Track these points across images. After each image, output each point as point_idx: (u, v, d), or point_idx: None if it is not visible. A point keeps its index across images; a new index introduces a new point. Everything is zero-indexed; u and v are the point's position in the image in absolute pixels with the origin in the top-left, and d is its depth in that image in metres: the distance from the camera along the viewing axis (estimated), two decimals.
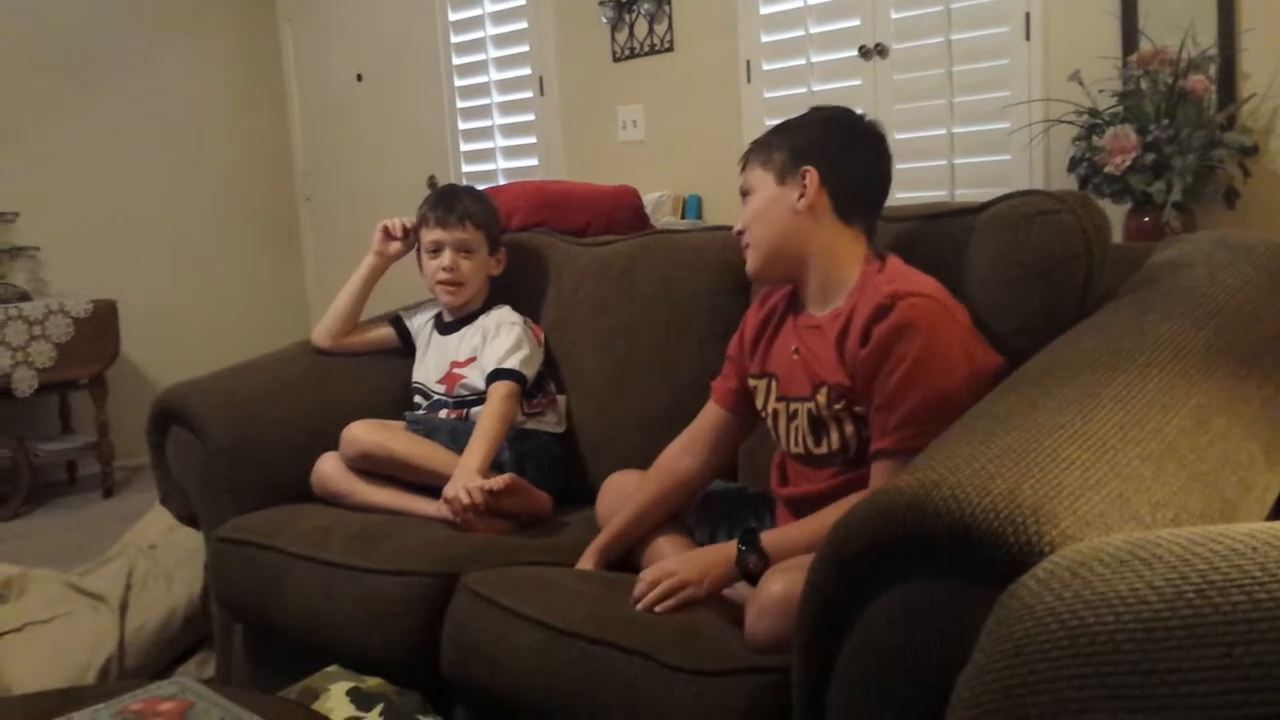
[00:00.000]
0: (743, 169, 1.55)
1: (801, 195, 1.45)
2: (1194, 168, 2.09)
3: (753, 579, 1.35)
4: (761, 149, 1.53)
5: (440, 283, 2.06)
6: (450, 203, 2.06)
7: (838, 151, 1.48)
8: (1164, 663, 0.56)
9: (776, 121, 1.58)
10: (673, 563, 1.42)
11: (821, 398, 1.43)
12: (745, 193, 1.54)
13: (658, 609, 1.36)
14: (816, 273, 1.46)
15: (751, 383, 1.58)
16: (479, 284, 2.09)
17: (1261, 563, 0.58)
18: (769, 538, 1.38)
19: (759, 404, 1.56)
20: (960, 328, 1.38)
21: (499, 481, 1.73)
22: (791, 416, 1.49)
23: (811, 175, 1.45)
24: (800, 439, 1.48)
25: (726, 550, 1.41)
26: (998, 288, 1.47)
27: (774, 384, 1.54)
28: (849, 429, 1.42)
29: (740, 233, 1.54)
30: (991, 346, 1.41)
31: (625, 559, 1.62)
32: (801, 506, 1.49)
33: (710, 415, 1.64)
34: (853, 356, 1.37)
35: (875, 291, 1.37)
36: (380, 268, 2.16)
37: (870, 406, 1.37)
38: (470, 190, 2.15)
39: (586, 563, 1.61)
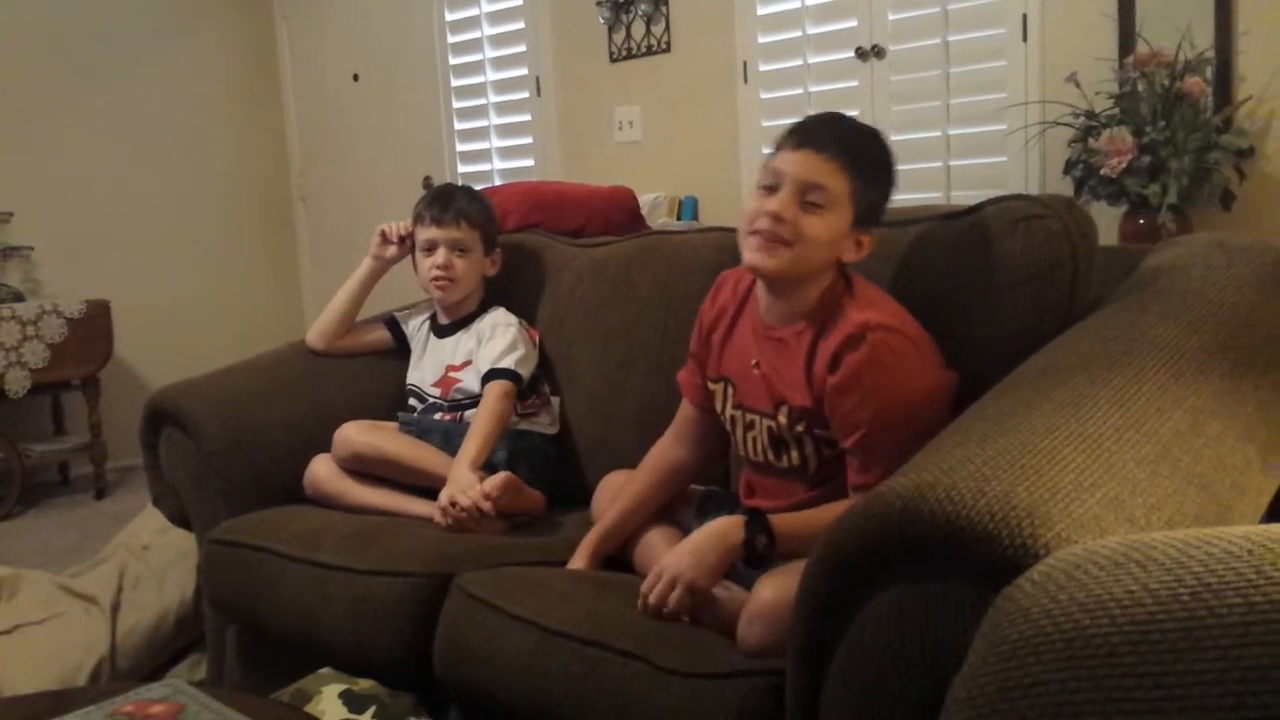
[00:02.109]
0: (826, 159, 1.34)
1: (856, 250, 1.39)
2: (1190, 170, 2.09)
3: (760, 560, 1.34)
4: (862, 174, 1.36)
5: (433, 280, 2.05)
6: (446, 201, 2.06)
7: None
8: (1159, 666, 0.56)
9: (777, 123, 1.52)
10: (667, 559, 1.38)
11: (783, 418, 1.43)
12: (813, 187, 1.34)
13: (665, 610, 1.33)
14: (797, 294, 1.42)
15: (710, 385, 1.57)
16: (473, 283, 2.09)
17: (1257, 565, 0.58)
18: (778, 520, 1.37)
19: (717, 406, 1.55)
20: (923, 352, 1.39)
21: (495, 486, 1.72)
22: (749, 426, 1.50)
23: (871, 240, 1.41)
24: (759, 450, 1.49)
25: (723, 528, 1.38)
26: (983, 293, 1.46)
27: (730, 389, 1.53)
28: (809, 449, 1.43)
29: (779, 219, 1.34)
30: (945, 362, 1.41)
31: (619, 557, 1.62)
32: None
33: (688, 411, 1.64)
34: (820, 380, 1.37)
35: (845, 318, 1.36)
36: (377, 271, 2.16)
37: (840, 436, 1.37)
38: (467, 190, 2.14)
39: (579, 559, 1.59)
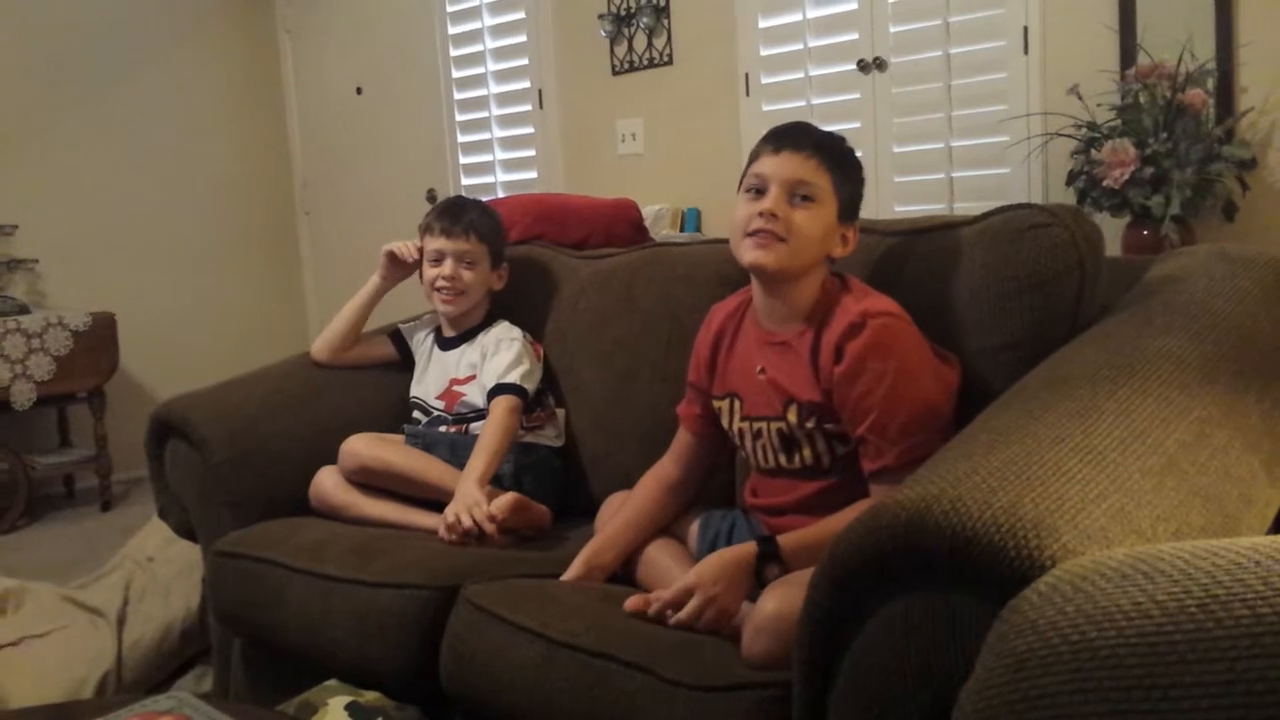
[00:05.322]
0: (805, 157, 1.42)
1: (843, 245, 1.47)
2: (1192, 181, 2.09)
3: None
4: (838, 167, 1.44)
5: (438, 289, 2.06)
6: (456, 213, 2.07)
7: None
8: (1166, 678, 0.56)
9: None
10: (700, 578, 1.36)
11: (792, 416, 1.45)
12: (800, 183, 1.41)
13: (696, 627, 1.33)
14: (794, 294, 1.46)
15: (715, 404, 1.59)
16: (478, 296, 2.09)
17: (1264, 576, 0.58)
18: (786, 541, 1.37)
19: (725, 423, 1.57)
20: (924, 343, 1.42)
21: (502, 508, 1.72)
22: (757, 435, 1.51)
23: (855, 234, 1.49)
24: (770, 455, 1.50)
25: (740, 554, 1.38)
26: (989, 302, 1.47)
27: (737, 404, 1.55)
28: (820, 444, 1.45)
29: (774, 216, 1.40)
30: (950, 355, 1.46)
31: (620, 573, 1.61)
32: (777, 516, 1.50)
33: (684, 438, 1.66)
34: (827, 373, 1.40)
35: (845, 310, 1.40)
36: (384, 288, 2.17)
37: (851, 425, 1.39)
38: (478, 203, 2.15)
39: (575, 569, 1.58)
